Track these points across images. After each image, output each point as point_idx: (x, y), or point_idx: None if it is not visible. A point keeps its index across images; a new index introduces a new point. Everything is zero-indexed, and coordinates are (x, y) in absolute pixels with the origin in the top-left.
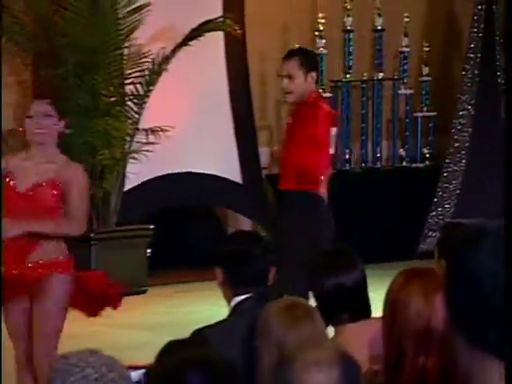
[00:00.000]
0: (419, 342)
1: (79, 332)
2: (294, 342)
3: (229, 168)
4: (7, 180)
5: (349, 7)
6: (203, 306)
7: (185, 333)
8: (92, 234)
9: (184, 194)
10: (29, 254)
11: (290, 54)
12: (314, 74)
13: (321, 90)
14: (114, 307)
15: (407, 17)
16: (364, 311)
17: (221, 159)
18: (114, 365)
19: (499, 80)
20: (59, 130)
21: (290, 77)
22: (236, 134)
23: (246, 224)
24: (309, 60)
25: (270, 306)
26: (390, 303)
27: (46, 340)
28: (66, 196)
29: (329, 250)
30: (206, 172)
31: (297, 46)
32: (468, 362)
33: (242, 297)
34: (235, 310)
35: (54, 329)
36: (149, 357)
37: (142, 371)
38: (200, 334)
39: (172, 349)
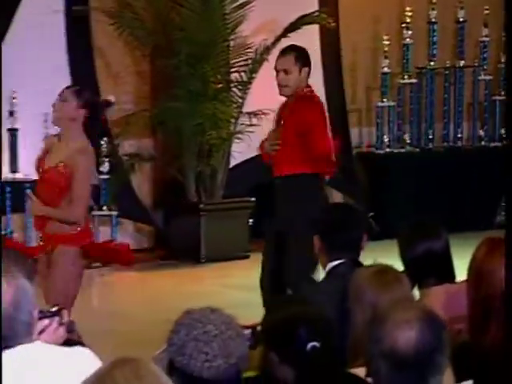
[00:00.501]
0: (504, 305)
1: (195, 291)
2: (386, 304)
3: None
4: (43, 156)
5: (433, 1)
6: None
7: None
8: (201, 206)
9: None
10: (44, 228)
11: (286, 50)
12: (307, 70)
13: (407, 77)
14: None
15: (487, 9)
16: (449, 275)
17: None
18: (232, 323)
19: None
20: (74, 116)
21: (285, 71)
22: (329, 116)
23: (337, 197)
24: (303, 56)
25: (362, 272)
26: (475, 270)
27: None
28: (71, 182)
29: (417, 221)
30: None
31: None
32: None
33: (336, 262)
34: (329, 274)
35: (63, 299)
36: (253, 315)
37: (249, 331)
38: (300, 294)
39: (279, 307)
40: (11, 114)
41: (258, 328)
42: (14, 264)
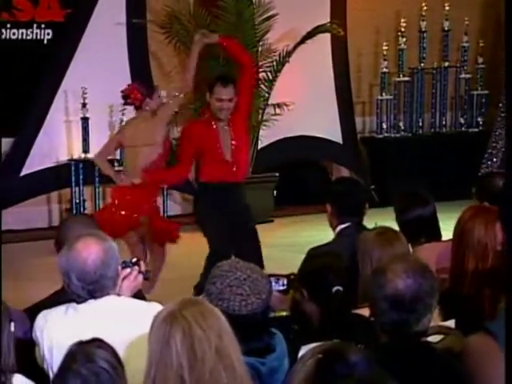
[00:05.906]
0: (479, 260)
1: None
2: (389, 257)
3: (333, 132)
4: None
5: (423, 14)
6: (314, 232)
7: (304, 250)
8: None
9: (300, 152)
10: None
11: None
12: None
13: (402, 76)
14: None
15: (467, 20)
16: (436, 235)
17: (328, 126)
18: (255, 268)
19: None
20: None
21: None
22: (338, 107)
23: (345, 173)
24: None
25: (368, 233)
26: (459, 230)
27: None
28: None
29: (409, 191)
30: (316, 135)
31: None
32: None
33: (344, 225)
34: (339, 234)
35: None
36: (282, 267)
37: (285, 279)
38: (318, 250)
39: (314, 257)
40: (84, 105)
41: (291, 277)
42: (93, 226)
